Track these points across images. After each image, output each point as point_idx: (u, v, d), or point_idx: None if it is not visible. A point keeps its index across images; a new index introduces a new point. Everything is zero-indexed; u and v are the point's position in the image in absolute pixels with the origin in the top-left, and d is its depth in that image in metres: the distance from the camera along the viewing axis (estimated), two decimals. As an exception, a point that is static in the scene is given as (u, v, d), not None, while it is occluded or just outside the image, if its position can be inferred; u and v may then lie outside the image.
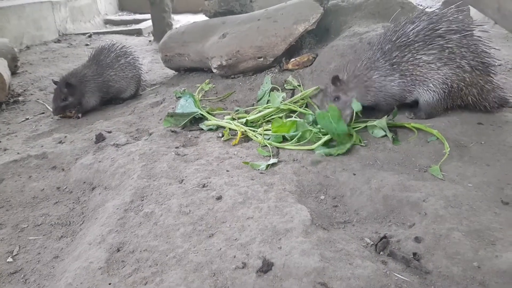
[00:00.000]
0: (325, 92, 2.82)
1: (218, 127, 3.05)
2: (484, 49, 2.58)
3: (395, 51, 2.64)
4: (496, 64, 2.70)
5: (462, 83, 2.58)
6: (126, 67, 4.16)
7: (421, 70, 2.61)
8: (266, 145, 2.68)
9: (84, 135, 3.25)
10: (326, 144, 2.60)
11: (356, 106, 2.66)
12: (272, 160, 2.48)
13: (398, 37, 2.64)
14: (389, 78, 2.67)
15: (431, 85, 2.62)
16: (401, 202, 1.99)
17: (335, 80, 2.69)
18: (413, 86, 2.68)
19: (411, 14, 2.72)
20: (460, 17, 2.61)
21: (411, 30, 2.61)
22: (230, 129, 2.95)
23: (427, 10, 2.77)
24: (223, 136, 2.89)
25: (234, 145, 2.76)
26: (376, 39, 2.83)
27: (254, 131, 2.88)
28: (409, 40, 2.60)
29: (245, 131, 2.86)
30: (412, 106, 2.81)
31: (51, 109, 3.89)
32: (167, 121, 3.13)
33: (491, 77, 2.62)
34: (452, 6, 2.69)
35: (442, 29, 2.56)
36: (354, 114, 2.68)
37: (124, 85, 4.18)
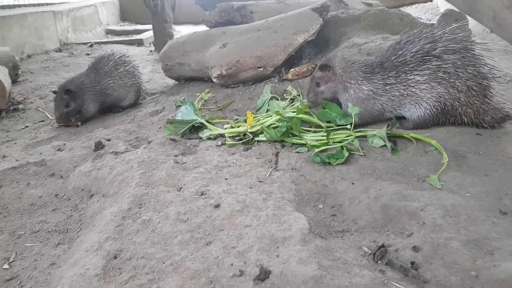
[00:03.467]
0: (312, 74, 2.98)
1: (217, 136, 3.06)
2: (483, 68, 2.56)
3: (392, 71, 2.67)
4: (497, 83, 2.70)
5: (457, 103, 2.57)
6: (125, 76, 4.18)
7: (413, 90, 2.63)
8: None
9: (83, 143, 3.26)
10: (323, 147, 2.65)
11: (354, 110, 2.68)
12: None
13: (397, 56, 2.66)
14: (377, 97, 2.72)
15: (425, 104, 2.63)
16: (399, 212, 1.99)
17: (324, 67, 2.81)
18: (399, 107, 2.72)
19: (414, 30, 2.73)
20: (460, 35, 2.62)
21: (409, 51, 2.62)
22: (230, 136, 2.97)
23: (427, 23, 2.78)
24: (223, 144, 2.90)
25: (236, 154, 2.80)
26: (380, 52, 2.87)
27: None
28: (405, 60, 2.63)
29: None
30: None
31: (55, 118, 3.88)
32: (167, 128, 3.14)
33: (488, 98, 2.60)
34: (453, 25, 2.71)
35: (440, 49, 2.56)
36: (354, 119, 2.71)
37: (122, 94, 4.20)
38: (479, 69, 2.56)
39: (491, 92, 2.62)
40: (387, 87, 2.68)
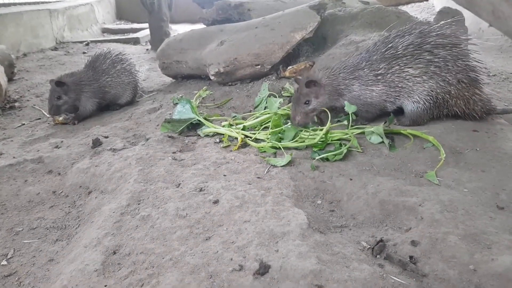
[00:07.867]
0: (295, 95, 2.87)
1: (215, 133, 3.06)
2: (471, 62, 2.62)
3: (382, 63, 2.71)
4: (485, 75, 2.73)
5: (448, 95, 2.63)
6: (122, 73, 4.17)
7: (407, 83, 2.68)
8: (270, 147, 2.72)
9: (80, 140, 3.25)
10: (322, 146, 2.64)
11: (351, 108, 2.69)
12: (287, 158, 2.51)
13: (387, 49, 2.71)
14: (370, 88, 2.75)
15: (417, 97, 2.69)
16: (397, 207, 2.00)
17: (310, 83, 2.75)
18: (398, 97, 2.75)
19: (403, 27, 2.77)
20: (448, 31, 2.65)
21: (401, 44, 2.67)
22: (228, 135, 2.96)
23: (421, 21, 2.81)
24: (220, 141, 2.90)
25: (232, 151, 2.77)
26: (365, 48, 2.90)
27: (253, 133, 2.92)
28: (397, 53, 2.68)
29: (245, 136, 2.87)
30: (398, 113, 2.86)
31: (47, 109, 3.85)
32: (164, 127, 3.14)
33: (478, 89, 2.65)
34: (448, 21, 2.74)
35: (430, 43, 2.62)
36: (351, 117, 2.72)
37: (120, 91, 4.19)
38: (467, 62, 2.62)
39: (480, 84, 2.67)
40: (378, 77, 2.72)
